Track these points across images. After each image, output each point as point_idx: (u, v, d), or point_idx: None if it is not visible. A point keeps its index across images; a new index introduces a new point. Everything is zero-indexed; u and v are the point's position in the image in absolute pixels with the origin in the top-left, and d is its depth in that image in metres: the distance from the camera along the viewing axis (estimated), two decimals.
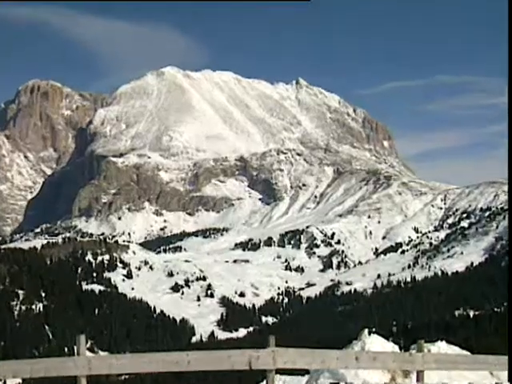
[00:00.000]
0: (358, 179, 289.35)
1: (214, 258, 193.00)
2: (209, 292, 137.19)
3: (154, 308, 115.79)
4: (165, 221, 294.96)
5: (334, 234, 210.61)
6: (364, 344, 11.49)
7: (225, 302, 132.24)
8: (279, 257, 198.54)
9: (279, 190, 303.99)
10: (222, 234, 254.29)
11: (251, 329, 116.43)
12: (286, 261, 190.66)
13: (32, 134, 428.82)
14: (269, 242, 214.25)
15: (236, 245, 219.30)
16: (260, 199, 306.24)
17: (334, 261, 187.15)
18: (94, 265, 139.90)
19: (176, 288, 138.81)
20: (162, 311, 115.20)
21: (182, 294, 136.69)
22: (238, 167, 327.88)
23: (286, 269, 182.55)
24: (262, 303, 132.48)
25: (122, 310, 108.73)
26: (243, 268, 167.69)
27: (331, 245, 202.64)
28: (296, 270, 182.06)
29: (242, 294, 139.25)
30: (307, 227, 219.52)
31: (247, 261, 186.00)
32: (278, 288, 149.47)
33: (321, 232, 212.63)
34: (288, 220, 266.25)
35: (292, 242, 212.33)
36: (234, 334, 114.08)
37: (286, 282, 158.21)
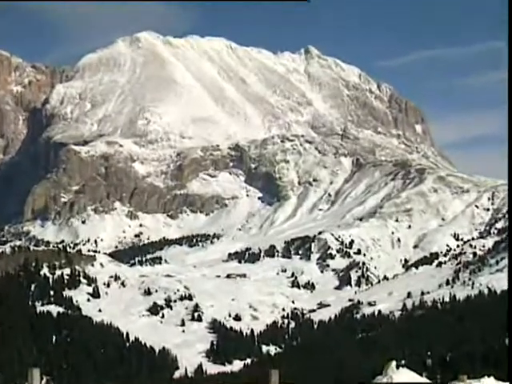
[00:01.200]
0: (383, 173, 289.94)
1: (203, 272, 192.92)
2: (196, 315, 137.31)
3: (127, 335, 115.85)
4: (141, 225, 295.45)
5: (352, 241, 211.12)
6: (391, 380, 11.45)
7: (216, 326, 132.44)
8: (284, 270, 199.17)
9: (284, 187, 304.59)
10: (212, 242, 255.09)
11: (248, 361, 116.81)
12: (293, 275, 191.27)
13: None
14: (271, 252, 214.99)
15: (230, 255, 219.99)
16: (260, 198, 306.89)
17: (353, 275, 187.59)
18: (51, 281, 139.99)
19: (155, 310, 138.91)
20: (136, 339, 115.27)
21: (163, 317, 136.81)
22: (233, 158, 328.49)
23: (293, 285, 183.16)
24: (262, 328, 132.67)
25: (87, 338, 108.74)
26: (239, 284, 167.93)
27: (349, 255, 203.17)
28: (305, 286, 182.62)
29: (237, 317, 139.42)
30: (319, 233, 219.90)
31: (244, 275, 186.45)
32: (283, 309, 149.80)
33: (336, 239, 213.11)
34: (295, 224, 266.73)
35: (300, 251, 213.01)
36: (228, 368, 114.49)
37: (293, 301, 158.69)
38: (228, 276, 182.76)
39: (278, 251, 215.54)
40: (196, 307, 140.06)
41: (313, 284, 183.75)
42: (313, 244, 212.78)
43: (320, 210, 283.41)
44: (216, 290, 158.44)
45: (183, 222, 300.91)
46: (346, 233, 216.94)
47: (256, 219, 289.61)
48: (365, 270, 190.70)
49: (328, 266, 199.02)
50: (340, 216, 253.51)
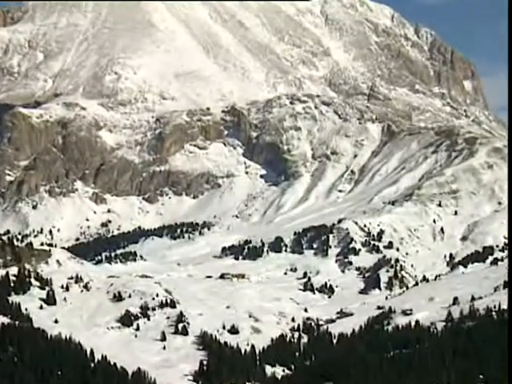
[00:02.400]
0: (423, 144, 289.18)
1: (189, 272, 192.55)
2: (180, 326, 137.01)
3: (92, 352, 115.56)
4: (109, 211, 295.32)
5: (382, 232, 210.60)
6: None
7: (206, 342, 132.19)
8: (294, 269, 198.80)
9: (294, 162, 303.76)
10: (201, 233, 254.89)
11: None
12: (305, 276, 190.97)
13: None
14: (277, 246, 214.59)
15: (224, 250, 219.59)
16: (263, 176, 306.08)
17: (383, 276, 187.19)
18: None
19: (127, 320, 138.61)
20: (104, 357, 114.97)
21: (137, 329, 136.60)
22: (228, 125, 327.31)
23: (306, 289, 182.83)
24: (265, 344, 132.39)
25: (39, 356, 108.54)
26: (236, 287, 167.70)
27: (378, 250, 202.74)
28: (321, 290, 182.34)
29: (233, 330, 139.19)
30: (339, 222, 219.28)
31: (242, 276, 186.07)
32: (293, 320, 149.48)
33: (361, 229, 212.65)
34: (308, 210, 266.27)
35: (315, 245, 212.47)
36: None
37: (306, 309, 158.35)
38: (222, 276, 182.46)
39: (286, 245, 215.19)
40: (180, 317, 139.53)
41: (331, 287, 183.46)
42: (331, 236, 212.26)
43: (340, 191, 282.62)
44: (206, 294, 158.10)
45: (164, 207, 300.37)
46: (374, 221, 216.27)
47: (258, 203, 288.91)
48: (398, 268, 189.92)
49: (350, 263, 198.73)
50: (366, 199, 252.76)
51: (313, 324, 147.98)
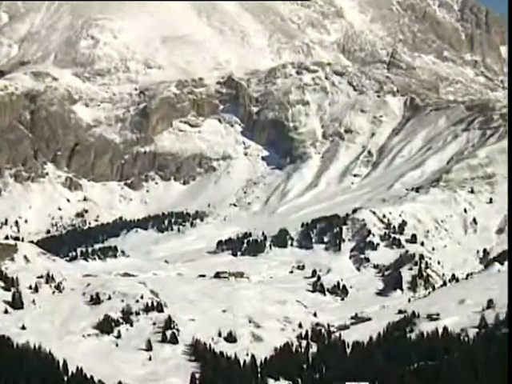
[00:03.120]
0: (452, 120, 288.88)
1: (179, 270, 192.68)
2: (169, 334, 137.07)
3: (65, 364, 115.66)
4: (85, 199, 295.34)
5: (404, 224, 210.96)
6: None
7: (199, 351, 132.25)
8: (301, 267, 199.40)
9: (302, 142, 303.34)
10: (193, 225, 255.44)
11: None
12: (315, 274, 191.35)
13: None
14: (282, 240, 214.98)
15: (220, 245, 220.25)
16: (265, 158, 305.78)
17: (406, 275, 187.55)
18: None
19: (106, 326, 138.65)
20: (79, 370, 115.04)
21: (118, 337, 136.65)
22: (224, 98, 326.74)
23: (315, 289, 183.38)
24: (268, 354, 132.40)
25: (4, 367, 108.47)
26: (233, 288, 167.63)
27: (400, 244, 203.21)
28: (333, 291, 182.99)
29: (230, 338, 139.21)
30: (354, 211, 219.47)
31: (241, 274, 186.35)
32: (300, 326, 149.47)
33: (380, 220, 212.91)
34: (318, 198, 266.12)
35: (326, 238, 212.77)
36: None
37: (315, 314, 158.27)
38: (217, 275, 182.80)
39: (292, 238, 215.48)
40: (169, 322, 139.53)
41: (344, 287, 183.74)
42: (344, 228, 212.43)
43: (355, 175, 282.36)
44: (199, 296, 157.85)
45: (149, 194, 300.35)
46: (395, 210, 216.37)
47: (259, 190, 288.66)
48: (423, 266, 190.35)
49: (367, 260, 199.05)
50: (386, 185, 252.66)
51: (323, 331, 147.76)
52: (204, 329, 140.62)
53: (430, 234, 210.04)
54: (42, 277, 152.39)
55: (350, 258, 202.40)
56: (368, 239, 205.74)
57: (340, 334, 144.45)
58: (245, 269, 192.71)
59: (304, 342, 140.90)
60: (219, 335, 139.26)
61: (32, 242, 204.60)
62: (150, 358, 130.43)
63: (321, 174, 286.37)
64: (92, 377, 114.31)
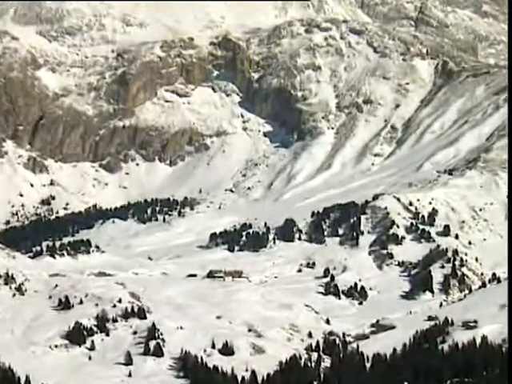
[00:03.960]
0: (493, 88, 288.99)
1: (165, 268, 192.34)
2: (152, 345, 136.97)
3: (28, 380, 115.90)
4: (52, 183, 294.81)
5: (435, 212, 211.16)
6: None
7: (188, 365, 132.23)
8: (311, 265, 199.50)
9: (312, 115, 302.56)
10: (181, 214, 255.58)
11: None
12: (327, 274, 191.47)
13: None
14: (288, 232, 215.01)
15: (214, 238, 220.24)
16: (267, 134, 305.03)
17: (437, 274, 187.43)
18: None
19: (78, 336, 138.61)
20: None
21: (92, 348, 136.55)
22: (219, 62, 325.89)
23: (327, 292, 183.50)
24: (271, 369, 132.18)
25: None
26: (230, 290, 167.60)
27: (430, 237, 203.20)
28: (349, 294, 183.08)
29: (226, 349, 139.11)
30: (375, 198, 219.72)
31: (239, 274, 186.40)
32: (309, 335, 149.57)
33: (406, 209, 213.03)
34: (332, 182, 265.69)
35: (341, 230, 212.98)
36: None
37: (327, 321, 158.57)
38: (210, 275, 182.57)
39: (299, 230, 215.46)
40: (152, 331, 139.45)
41: (363, 289, 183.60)
42: (363, 218, 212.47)
43: (376, 155, 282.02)
44: (189, 299, 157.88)
45: (129, 177, 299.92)
46: (424, 197, 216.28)
47: (261, 173, 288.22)
48: (457, 263, 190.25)
49: (391, 256, 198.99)
50: (413, 166, 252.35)
51: (337, 341, 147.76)
52: (194, 339, 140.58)
53: (465, 225, 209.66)
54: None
55: (370, 253, 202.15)
56: (391, 231, 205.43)
57: (358, 346, 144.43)
58: (243, 267, 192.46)
59: (314, 355, 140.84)
60: (213, 346, 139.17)
61: None
62: (129, 374, 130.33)
63: (335, 153, 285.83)
64: None
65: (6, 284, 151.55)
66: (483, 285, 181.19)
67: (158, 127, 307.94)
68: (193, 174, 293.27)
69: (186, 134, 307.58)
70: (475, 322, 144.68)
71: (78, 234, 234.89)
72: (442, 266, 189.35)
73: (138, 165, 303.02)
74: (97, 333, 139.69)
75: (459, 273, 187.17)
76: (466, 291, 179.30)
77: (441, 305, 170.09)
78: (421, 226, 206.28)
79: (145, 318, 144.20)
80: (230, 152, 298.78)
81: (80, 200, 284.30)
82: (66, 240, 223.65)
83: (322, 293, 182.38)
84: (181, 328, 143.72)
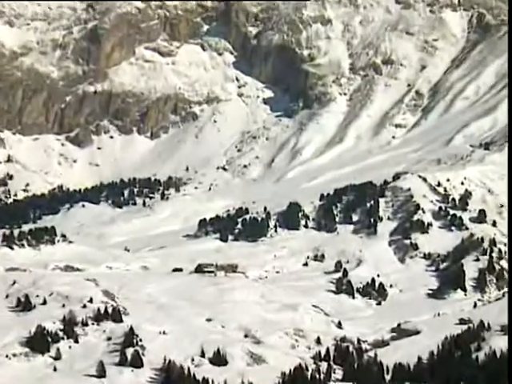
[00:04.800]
0: None
1: (145, 262, 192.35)
2: (130, 352, 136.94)
3: None
4: (9, 159, 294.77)
5: (468, 195, 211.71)
6: None
7: (173, 377, 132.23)
8: (319, 257, 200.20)
9: (321, 78, 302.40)
10: (164, 197, 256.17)
11: None
12: (339, 268, 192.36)
13: None
14: (292, 218, 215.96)
15: (203, 225, 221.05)
16: (268, 101, 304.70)
17: (470, 269, 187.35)
18: None
19: (40, 342, 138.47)
20: None
21: (58, 357, 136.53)
22: (209, 14, 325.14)
23: (339, 290, 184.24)
24: (272, 381, 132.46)
25: None
26: (223, 288, 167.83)
27: (462, 224, 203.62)
28: (365, 292, 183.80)
29: (218, 358, 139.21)
30: (396, 177, 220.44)
31: (234, 268, 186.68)
32: (318, 341, 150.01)
33: (434, 190, 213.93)
34: (344, 158, 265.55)
35: (355, 216, 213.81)
36: None
37: (339, 324, 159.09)
38: (199, 270, 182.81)
39: (306, 216, 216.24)
40: (130, 337, 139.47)
41: (382, 287, 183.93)
42: (382, 201, 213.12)
43: (398, 126, 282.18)
44: (173, 299, 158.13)
45: (102, 153, 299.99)
46: (455, 176, 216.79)
47: (260, 147, 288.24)
48: (495, 256, 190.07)
49: (415, 247, 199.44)
50: (442, 140, 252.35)
51: (351, 349, 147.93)
52: (180, 346, 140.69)
53: (504, 209, 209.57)
54: None
55: (390, 244, 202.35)
56: (416, 217, 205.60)
57: (376, 354, 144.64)
58: (239, 260, 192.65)
59: (324, 365, 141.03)
60: (202, 355, 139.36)
61: None
62: None
63: (348, 123, 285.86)
64: None
65: None
66: None
67: (136, 93, 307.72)
68: (178, 148, 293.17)
69: (170, 100, 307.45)
70: None
71: (41, 220, 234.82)
72: (477, 259, 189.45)
73: (112, 138, 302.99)
74: (63, 339, 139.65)
75: (497, 267, 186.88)
76: (505, 289, 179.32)
77: (475, 305, 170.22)
78: (451, 211, 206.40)
79: (121, 320, 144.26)
80: (222, 122, 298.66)
81: (43, 180, 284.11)
82: (26, 228, 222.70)
83: (332, 291, 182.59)
84: (164, 333, 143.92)
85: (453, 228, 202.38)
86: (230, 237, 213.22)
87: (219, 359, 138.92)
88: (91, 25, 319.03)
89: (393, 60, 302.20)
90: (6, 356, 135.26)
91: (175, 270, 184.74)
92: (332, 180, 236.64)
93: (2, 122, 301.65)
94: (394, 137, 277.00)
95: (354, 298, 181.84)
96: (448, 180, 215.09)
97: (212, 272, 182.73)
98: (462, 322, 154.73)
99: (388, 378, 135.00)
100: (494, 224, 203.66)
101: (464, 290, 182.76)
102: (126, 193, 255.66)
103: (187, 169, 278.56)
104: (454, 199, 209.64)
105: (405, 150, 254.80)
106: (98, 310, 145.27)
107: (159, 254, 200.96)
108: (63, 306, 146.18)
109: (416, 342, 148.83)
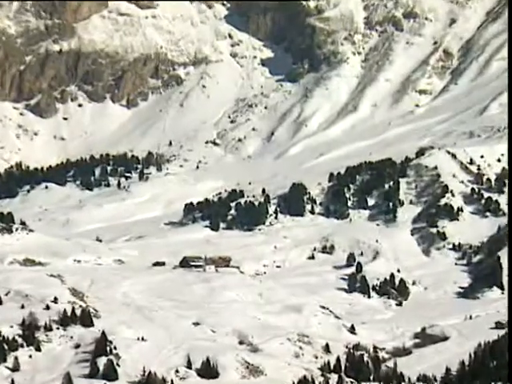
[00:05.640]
0: None
1: (120, 254, 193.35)
2: (102, 363, 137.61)
3: None
4: None
5: (505, 173, 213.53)
6: None
7: None
8: (328, 248, 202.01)
9: (330, 34, 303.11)
10: (143, 177, 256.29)
11: None
12: (352, 262, 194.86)
13: None
14: (296, 202, 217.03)
15: (189, 210, 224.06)
16: (267, 63, 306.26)
17: (507, 263, 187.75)
18: None
19: None
20: None
21: (16, 369, 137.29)
22: None
23: (352, 287, 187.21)
24: None
25: None
26: (213, 285, 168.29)
27: (498, 209, 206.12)
28: (383, 290, 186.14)
29: (208, 369, 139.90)
30: (421, 153, 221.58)
31: (226, 262, 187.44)
32: (327, 349, 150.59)
33: (465, 169, 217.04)
34: (357, 130, 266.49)
35: (371, 200, 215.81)
36: None
37: (352, 328, 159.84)
38: (185, 264, 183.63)
39: (313, 200, 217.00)
40: (103, 344, 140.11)
41: (403, 283, 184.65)
42: (403, 182, 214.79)
43: (422, 92, 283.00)
44: (154, 298, 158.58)
45: (69, 124, 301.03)
46: (491, 152, 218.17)
47: (257, 117, 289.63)
48: None
49: (443, 236, 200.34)
50: (474, 109, 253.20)
51: (366, 358, 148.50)
52: (162, 355, 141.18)
53: None
54: None
55: (413, 233, 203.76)
56: (443, 201, 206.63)
57: (395, 364, 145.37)
58: (232, 252, 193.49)
59: (334, 378, 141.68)
60: (188, 365, 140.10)
61: None
62: None
63: (363, 89, 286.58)
64: None
65: None
66: None
67: (109, 52, 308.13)
68: (160, 119, 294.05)
69: (151, 61, 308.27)
70: None
71: None
72: (496, 247, 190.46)
73: (80, 106, 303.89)
74: (22, 346, 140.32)
75: None
76: None
77: None
78: (486, 194, 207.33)
79: (91, 324, 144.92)
80: (212, 88, 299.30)
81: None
82: None
83: (344, 289, 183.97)
84: (142, 339, 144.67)
85: (488, 214, 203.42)
86: (222, 225, 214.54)
87: (209, 370, 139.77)
88: None
89: (416, 13, 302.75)
90: None
91: (156, 264, 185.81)
92: (344, 157, 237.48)
93: None
94: (417, 105, 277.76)
95: (369, 297, 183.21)
96: (482, 157, 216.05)
97: (200, 266, 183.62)
98: (498, 325, 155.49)
99: None
100: None
101: (501, 287, 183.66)
102: (97, 172, 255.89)
103: (170, 143, 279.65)
104: (489, 179, 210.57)
105: (430, 120, 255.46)
106: (64, 311, 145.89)
107: (137, 245, 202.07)
108: (22, 306, 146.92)
109: (443, 350, 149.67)
